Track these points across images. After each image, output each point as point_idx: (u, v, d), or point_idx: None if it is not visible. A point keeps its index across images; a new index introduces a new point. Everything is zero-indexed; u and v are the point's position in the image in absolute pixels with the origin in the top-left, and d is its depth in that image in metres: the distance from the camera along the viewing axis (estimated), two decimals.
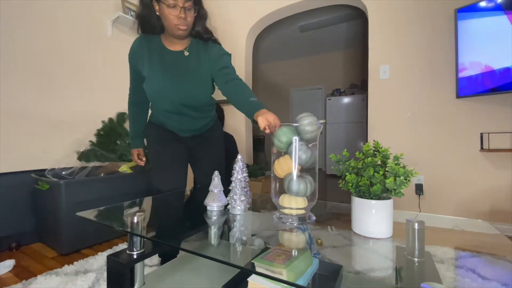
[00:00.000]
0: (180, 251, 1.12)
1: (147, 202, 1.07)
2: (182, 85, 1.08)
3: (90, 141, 2.00)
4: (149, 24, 1.06)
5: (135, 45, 1.09)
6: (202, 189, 0.86)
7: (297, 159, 0.71)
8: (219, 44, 1.16)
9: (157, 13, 1.03)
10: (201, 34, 1.10)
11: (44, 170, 1.79)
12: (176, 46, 1.09)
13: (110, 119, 2.18)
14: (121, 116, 2.22)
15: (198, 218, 0.86)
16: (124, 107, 2.34)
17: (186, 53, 1.09)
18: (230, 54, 1.15)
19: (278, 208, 0.76)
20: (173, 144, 1.22)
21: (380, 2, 2.28)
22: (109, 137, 2.07)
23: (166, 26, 1.03)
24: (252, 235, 0.69)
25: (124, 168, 1.93)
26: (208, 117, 1.24)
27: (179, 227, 0.82)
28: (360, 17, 3.78)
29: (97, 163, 1.92)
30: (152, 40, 1.09)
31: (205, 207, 0.86)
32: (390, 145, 2.26)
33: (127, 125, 2.21)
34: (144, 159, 1.34)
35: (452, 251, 0.60)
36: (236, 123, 2.99)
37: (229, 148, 2.07)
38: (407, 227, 0.54)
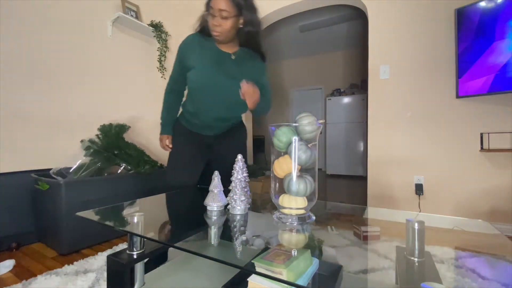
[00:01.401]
0: (180, 251, 1.13)
1: (149, 201, 1.06)
2: (224, 81, 1.17)
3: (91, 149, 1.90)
4: (206, 26, 1.16)
5: (189, 39, 1.20)
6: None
7: (297, 159, 0.71)
8: (264, 60, 1.26)
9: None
10: (242, 43, 1.20)
11: (44, 170, 1.79)
12: (225, 48, 1.19)
13: (103, 131, 1.99)
14: (120, 128, 2.07)
15: (198, 218, 0.86)
16: (122, 116, 2.36)
17: (233, 57, 1.20)
18: (266, 73, 1.28)
19: (278, 208, 0.76)
20: (193, 146, 1.34)
21: (380, 2, 2.28)
22: (104, 152, 1.92)
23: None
24: (252, 235, 0.69)
25: None
26: (235, 118, 1.36)
27: (179, 226, 0.82)
28: (360, 17, 3.78)
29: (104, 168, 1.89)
30: (207, 39, 1.19)
31: (205, 207, 0.86)
32: (390, 145, 2.27)
33: (126, 135, 2.12)
34: (171, 146, 1.39)
35: (452, 251, 0.60)
36: None
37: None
38: (407, 227, 0.54)
